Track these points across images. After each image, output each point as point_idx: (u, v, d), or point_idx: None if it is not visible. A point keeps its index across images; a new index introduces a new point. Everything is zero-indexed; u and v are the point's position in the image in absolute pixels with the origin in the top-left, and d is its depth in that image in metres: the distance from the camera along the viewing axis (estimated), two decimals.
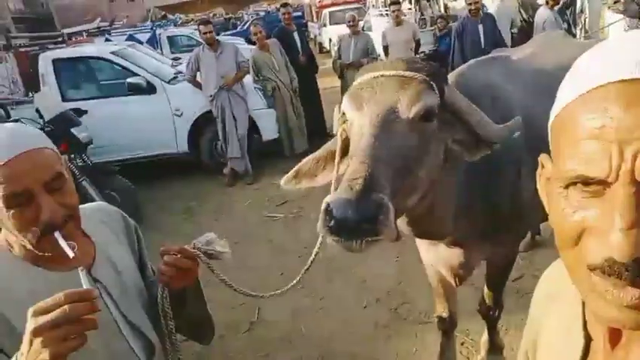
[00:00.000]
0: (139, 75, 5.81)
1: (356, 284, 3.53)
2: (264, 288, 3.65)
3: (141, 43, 8.69)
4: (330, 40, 15.04)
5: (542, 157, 0.62)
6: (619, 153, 0.46)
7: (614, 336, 0.57)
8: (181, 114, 5.90)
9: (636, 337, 0.55)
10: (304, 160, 1.59)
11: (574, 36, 7.05)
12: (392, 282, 3.46)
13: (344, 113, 1.38)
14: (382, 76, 1.33)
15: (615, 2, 5.04)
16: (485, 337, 2.51)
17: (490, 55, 2.43)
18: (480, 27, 6.01)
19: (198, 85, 5.72)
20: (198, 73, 5.68)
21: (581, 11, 7.41)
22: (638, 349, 0.55)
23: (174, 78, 6.27)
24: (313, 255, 1.63)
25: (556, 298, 0.72)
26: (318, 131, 6.98)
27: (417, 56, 6.59)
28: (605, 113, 0.47)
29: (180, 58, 8.67)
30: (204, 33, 5.56)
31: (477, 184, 1.70)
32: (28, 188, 0.98)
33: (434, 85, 1.32)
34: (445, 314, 2.32)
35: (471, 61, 2.04)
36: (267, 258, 3.98)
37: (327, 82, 8.42)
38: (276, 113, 6.12)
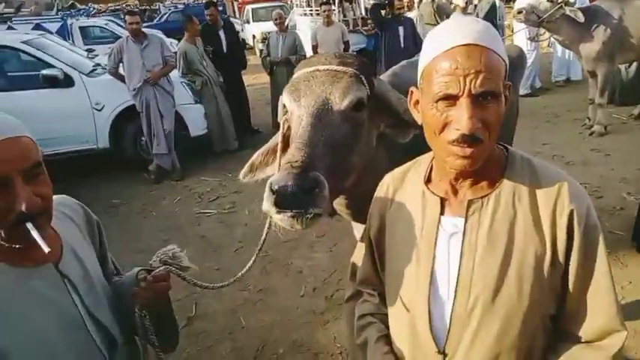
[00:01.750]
0: (55, 67, 5.44)
1: (293, 275, 3.64)
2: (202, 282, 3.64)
3: (50, 33, 8.06)
4: (254, 36, 14.97)
5: (412, 89, 1.06)
6: (463, 80, 0.89)
7: (454, 188, 1.04)
8: (102, 108, 5.61)
9: (465, 184, 1.03)
10: (256, 154, 1.70)
11: None
12: (327, 272, 3.61)
13: (284, 105, 1.51)
14: (317, 70, 1.48)
15: (519, 13, 5.60)
16: None
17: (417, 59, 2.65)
18: (401, 29, 6.69)
19: (120, 78, 5.46)
20: (120, 65, 5.43)
21: (500, 19, 8.16)
22: (466, 190, 1.03)
23: (94, 70, 5.95)
24: (261, 242, 1.70)
25: (397, 190, 1.18)
26: (245, 127, 6.99)
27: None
28: (456, 61, 0.90)
29: (94, 50, 8.20)
30: (131, 23, 5.33)
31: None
32: (6, 175, 0.96)
33: (363, 79, 1.47)
34: None
35: (403, 62, 2.23)
36: (201, 254, 3.95)
37: (251, 80, 8.43)
38: (205, 109, 6.04)
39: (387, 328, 1.21)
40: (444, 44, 0.93)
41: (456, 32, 0.93)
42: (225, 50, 6.62)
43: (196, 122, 5.97)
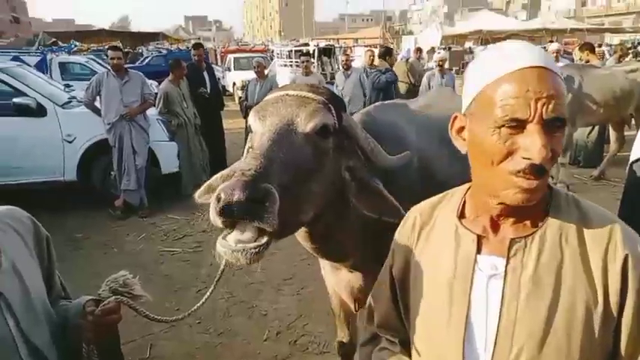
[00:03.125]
0: (29, 96, 5.38)
1: (257, 318, 3.52)
2: (160, 324, 3.48)
3: (29, 65, 8.02)
4: (234, 84, 15.26)
5: (457, 114, 0.99)
6: (534, 104, 0.82)
7: (494, 225, 0.96)
8: (73, 140, 5.52)
9: (508, 221, 0.94)
10: (215, 176, 1.63)
11: None
12: (293, 316, 3.50)
13: (250, 127, 1.48)
14: (287, 94, 1.47)
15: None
16: None
17: (392, 101, 2.73)
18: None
19: (95, 111, 5.43)
20: (98, 98, 5.41)
21: None
22: (507, 228, 0.94)
23: (69, 102, 5.90)
24: (219, 273, 1.66)
25: (425, 225, 1.07)
26: (221, 168, 6.95)
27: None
28: (527, 83, 0.83)
29: (72, 86, 8.18)
30: (112, 58, 5.38)
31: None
32: None
33: (332, 108, 1.47)
34: (346, 339, 2.42)
35: (377, 104, 2.29)
36: (162, 294, 3.79)
37: (229, 124, 8.52)
38: (179, 148, 6.02)
39: None
40: (509, 65, 0.85)
41: (522, 54, 0.86)
42: (209, 90, 6.75)
43: (169, 159, 5.91)
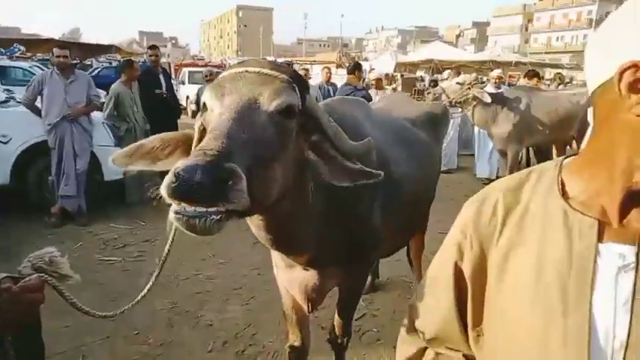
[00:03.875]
0: None
1: (201, 329, 3.28)
2: (92, 334, 3.19)
3: None
4: (188, 97, 14.95)
5: (635, 61, 0.71)
6: None
7: (623, 209, 0.76)
8: (8, 141, 5.11)
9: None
10: (149, 138, 1.43)
11: None
12: (240, 325, 3.30)
13: (204, 104, 1.34)
14: (246, 71, 1.34)
15: (427, 93, 6.19)
16: None
17: (353, 97, 2.69)
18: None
19: (35, 111, 5.07)
20: (40, 98, 5.05)
21: None
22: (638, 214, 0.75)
23: (5, 102, 5.51)
24: (166, 251, 1.50)
25: (512, 209, 0.85)
26: None
27: None
28: None
29: (12, 92, 7.68)
30: (58, 56, 5.04)
31: (333, 201, 1.73)
32: None
33: (296, 88, 1.37)
34: (297, 343, 2.28)
35: (337, 97, 2.23)
36: (97, 302, 3.47)
37: None
38: None
39: None
40: None
41: None
42: (165, 92, 6.51)
43: (113, 166, 5.55)
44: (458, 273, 0.90)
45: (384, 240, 2.17)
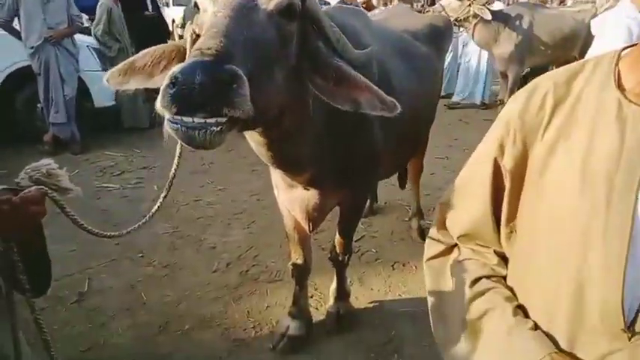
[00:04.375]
0: None
1: (205, 252, 3.35)
2: (98, 257, 3.25)
3: None
4: (174, 21, 14.22)
5: None
6: None
7: None
8: None
9: None
10: (140, 54, 1.34)
11: None
12: (243, 248, 3.37)
13: (196, 3, 1.25)
14: None
15: (427, 12, 5.87)
16: (333, 286, 2.60)
17: (351, 7, 2.54)
18: None
19: (15, 33, 4.80)
20: (16, 19, 4.77)
21: None
22: None
23: None
24: (172, 172, 1.47)
25: (562, 100, 0.82)
26: None
27: None
28: None
29: None
30: None
31: (334, 117, 1.65)
32: None
33: None
34: (300, 261, 2.33)
35: (335, 5, 2.10)
36: (100, 228, 3.50)
37: None
38: None
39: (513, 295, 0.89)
40: None
41: None
42: (150, 9, 6.28)
43: (103, 92, 5.37)
44: (496, 170, 0.88)
45: (384, 158, 2.14)
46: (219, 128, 0.94)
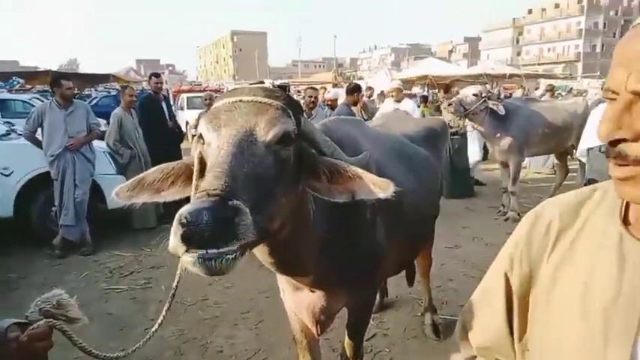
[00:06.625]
0: None
1: (211, 356, 3.24)
2: None
3: None
4: (187, 123, 15.04)
5: None
6: None
7: None
8: (10, 173, 5.14)
9: None
10: (150, 171, 1.44)
11: None
12: (250, 351, 3.26)
13: (201, 135, 1.35)
14: (240, 101, 1.35)
15: (449, 105, 6.15)
16: None
17: (348, 117, 2.72)
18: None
19: (37, 143, 5.10)
20: (40, 130, 5.09)
21: None
22: None
23: (7, 134, 5.55)
24: (175, 285, 1.48)
25: (566, 228, 0.83)
26: (174, 205, 6.69)
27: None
28: None
29: (13, 124, 7.74)
30: (69, 88, 5.14)
31: (335, 220, 1.73)
32: None
33: (290, 113, 1.37)
34: None
35: (332, 117, 2.25)
36: (106, 332, 3.46)
37: None
38: None
39: None
40: None
41: None
42: (168, 119, 6.58)
43: None
44: (508, 284, 0.89)
45: (389, 258, 2.16)
46: (233, 256, 1.01)
